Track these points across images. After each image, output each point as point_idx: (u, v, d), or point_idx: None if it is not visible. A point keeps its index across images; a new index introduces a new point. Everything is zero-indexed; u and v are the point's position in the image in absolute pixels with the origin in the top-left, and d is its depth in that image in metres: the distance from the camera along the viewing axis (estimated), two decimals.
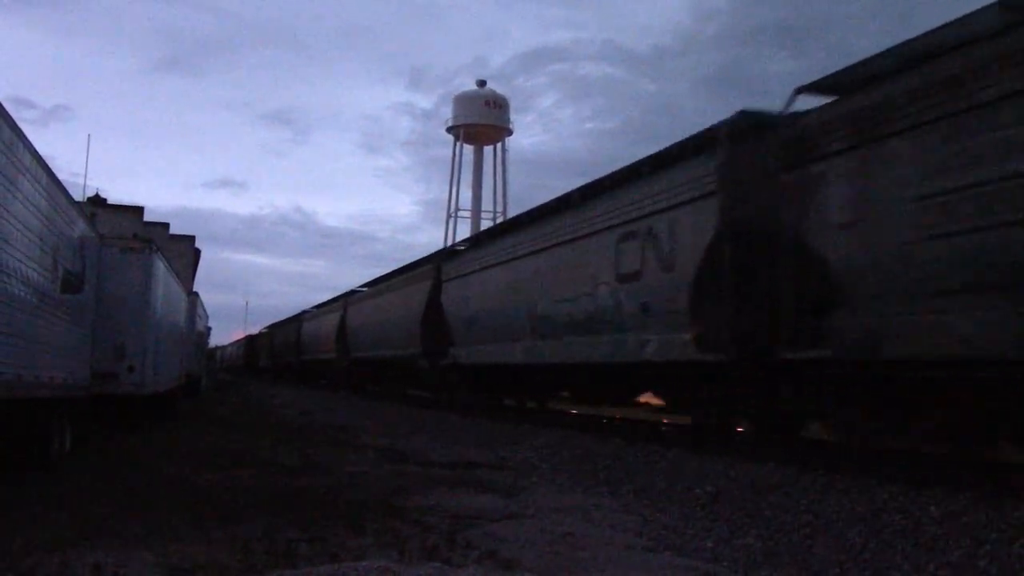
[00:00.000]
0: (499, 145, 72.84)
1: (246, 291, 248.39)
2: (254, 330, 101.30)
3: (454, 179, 72.03)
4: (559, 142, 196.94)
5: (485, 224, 65.89)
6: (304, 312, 53.29)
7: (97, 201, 38.99)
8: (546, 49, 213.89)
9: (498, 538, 7.00)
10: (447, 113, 74.79)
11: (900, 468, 9.03)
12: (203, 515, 7.43)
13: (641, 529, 7.70)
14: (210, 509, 7.73)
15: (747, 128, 11.36)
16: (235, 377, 75.65)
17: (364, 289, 37.06)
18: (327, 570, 4.93)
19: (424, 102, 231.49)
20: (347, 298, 39.34)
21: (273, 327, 69.67)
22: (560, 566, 6.08)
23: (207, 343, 48.50)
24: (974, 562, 5.91)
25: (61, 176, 10.68)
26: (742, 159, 11.24)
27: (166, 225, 42.27)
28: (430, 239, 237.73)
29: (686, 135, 12.80)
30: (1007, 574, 5.63)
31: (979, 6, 8.08)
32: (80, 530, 6.72)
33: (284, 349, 58.08)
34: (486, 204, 72.09)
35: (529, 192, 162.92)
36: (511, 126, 73.63)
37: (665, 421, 16.80)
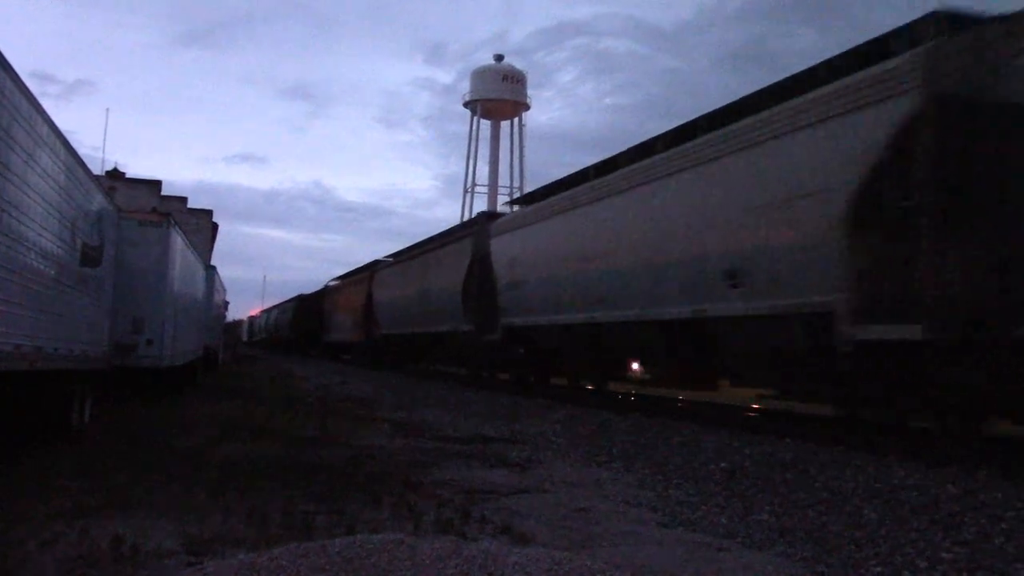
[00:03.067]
0: (516, 120, 72.47)
1: (264, 265, 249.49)
2: (270, 303, 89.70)
3: (471, 154, 71.83)
4: (578, 117, 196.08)
5: (502, 199, 65.75)
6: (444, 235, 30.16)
7: (115, 175, 39.10)
8: (568, 23, 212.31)
9: (512, 512, 7.04)
10: (466, 88, 74.44)
11: (919, 446, 9.00)
12: (221, 487, 7.50)
13: (655, 505, 7.72)
14: (228, 480, 7.80)
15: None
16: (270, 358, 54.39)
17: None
18: (343, 542, 4.96)
19: (444, 77, 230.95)
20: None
21: (371, 270, 39.53)
22: (574, 540, 6.11)
23: (225, 317, 48.78)
24: (990, 540, 5.89)
25: (82, 150, 10.74)
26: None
27: (184, 199, 42.37)
28: (448, 214, 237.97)
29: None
30: (1023, 552, 5.61)
31: None
32: (100, 500, 6.81)
33: (402, 311, 32.38)
34: (503, 179, 71.92)
35: (547, 167, 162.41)
36: (528, 101, 73.18)
37: (680, 398, 16.84)
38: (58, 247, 9.56)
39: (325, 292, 52.18)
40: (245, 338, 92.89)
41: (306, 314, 55.64)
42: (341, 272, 51.98)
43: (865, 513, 6.87)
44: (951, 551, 5.77)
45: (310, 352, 56.98)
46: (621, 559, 5.52)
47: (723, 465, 9.27)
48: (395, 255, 36.87)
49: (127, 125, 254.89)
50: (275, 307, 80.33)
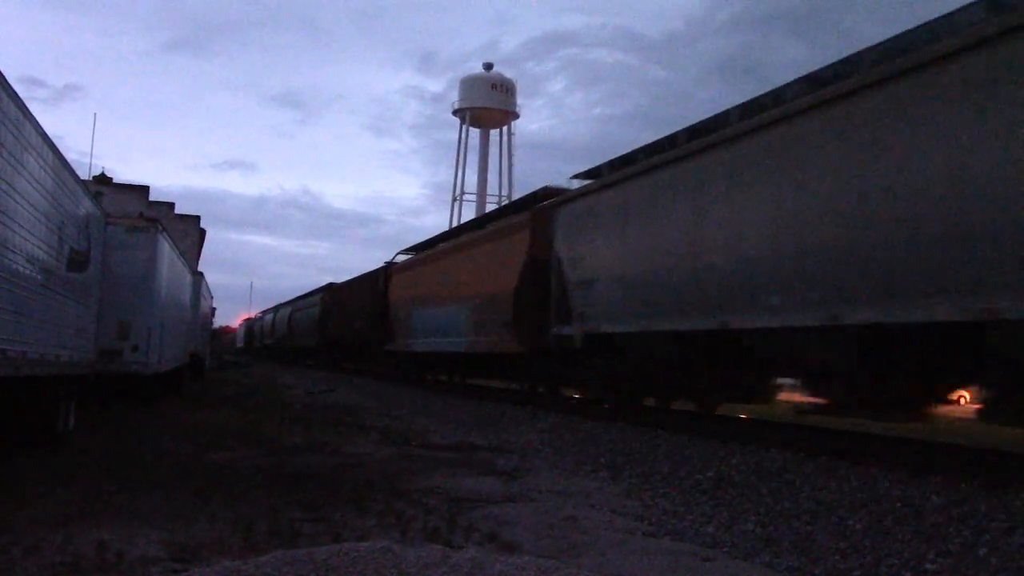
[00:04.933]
0: (505, 129, 72.60)
1: (251, 272, 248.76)
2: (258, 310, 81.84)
3: (460, 162, 71.92)
4: (566, 127, 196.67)
5: (491, 207, 65.70)
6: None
7: (103, 180, 38.93)
8: (557, 34, 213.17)
9: (499, 520, 7.03)
10: (456, 96, 74.52)
11: (903, 455, 9.05)
12: (207, 494, 7.47)
13: (642, 514, 7.72)
14: (214, 488, 7.77)
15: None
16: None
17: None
18: (329, 550, 4.95)
19: (434, 85, 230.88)
20: None
21: (534, 211, 18.36)
22: (560, 549, 6.11)
23: (212, 323, 48.61)
24: (974, 551, 5.92)
25: (71, 155, 10.76)
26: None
27: (171, 205, 42.22)
28: (437, 222, 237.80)
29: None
30: (1007, 563, 5.64)
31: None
32: (85, 507, 6.77)
33: (705, 283, 11.34)
34: (492, 188, 72.00)
35: (535, 176, 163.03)
36: (517, 110, 73.33)
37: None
38: (45, 252, 9.52)
39: (392, 273, 31.57)
40: (241, 345, 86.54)
41: (347, 310, 36.94)
42: (334, 277, 42.15)
43: (850, 523, 6.89)
44: (935, 562, 5.80)
45: (344, 366, 40.52)
46: (607, 568, 5.53)
47: (709, 474, 9.29)
48: (606, 167, 15.54)
49: (115, 130, 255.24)
50: (287, 304, 59.21)
